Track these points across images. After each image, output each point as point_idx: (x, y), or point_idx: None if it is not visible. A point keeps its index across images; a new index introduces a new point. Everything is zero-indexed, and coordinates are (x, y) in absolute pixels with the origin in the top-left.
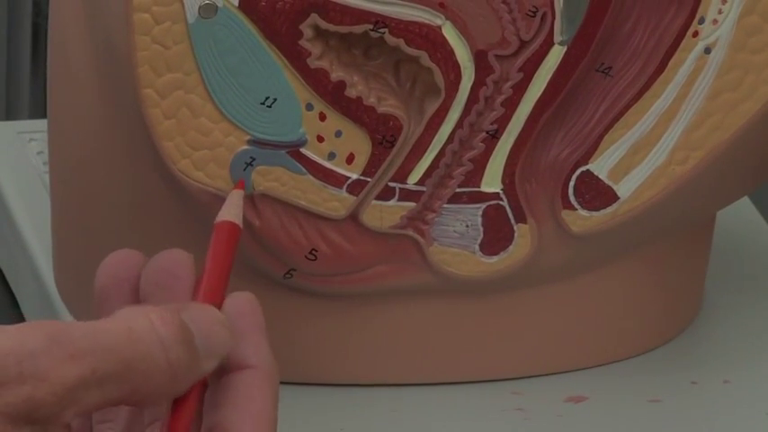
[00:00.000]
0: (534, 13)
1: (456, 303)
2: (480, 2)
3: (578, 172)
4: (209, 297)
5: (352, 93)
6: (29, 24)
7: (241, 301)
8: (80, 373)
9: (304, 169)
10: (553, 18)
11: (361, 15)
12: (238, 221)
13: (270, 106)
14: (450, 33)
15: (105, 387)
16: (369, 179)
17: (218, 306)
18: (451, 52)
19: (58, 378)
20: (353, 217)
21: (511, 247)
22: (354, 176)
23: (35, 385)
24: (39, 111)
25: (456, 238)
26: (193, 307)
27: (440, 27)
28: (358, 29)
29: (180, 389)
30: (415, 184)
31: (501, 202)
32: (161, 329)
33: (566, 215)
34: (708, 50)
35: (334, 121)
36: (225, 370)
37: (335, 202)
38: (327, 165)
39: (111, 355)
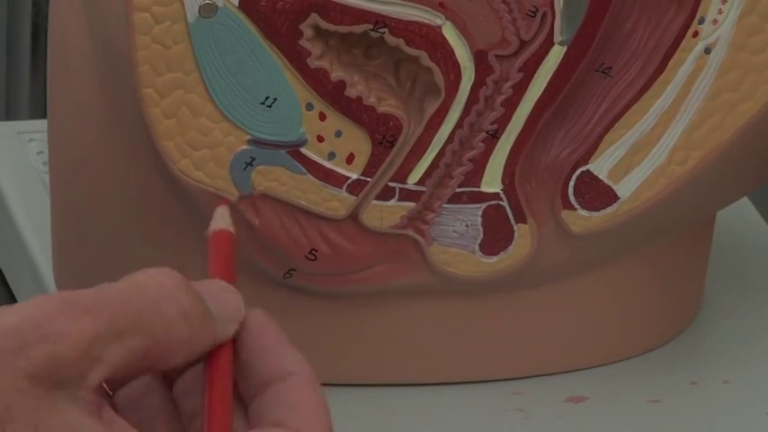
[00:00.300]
0: (534, 13)
1: (456, 303)
2: (480, 2)
3: (578, 172)
4: None
5: (352, 93)
6: (29, 24)
7: (259, 318)
8: (97, 326)
9: (304, 169)
10: (553, 18)
11: (361, 15)
12: (230, 228)
13: (270, 106)
14: (450, 33)
15: (125, 339)
16: (369, 179)
17: None
18: (451, 52)
19: (77, 333)
20: (353, 217)
21: (511, 247)
22: (354, 176)
23: (56, 342)
24: (39, 111)
25: (456, 238)
26: (198, 281)
27: (440, 27)
28: (358, 29)
29: (198, 344)
30: (415, 184)
31: (501, 202)
32: (164, 280)
33: (566, 215)
34: (708, 50)
35: (334, 120)
36: (268, 383)
37: (335, 202)
38: (327, 165)
39: (123, 307)
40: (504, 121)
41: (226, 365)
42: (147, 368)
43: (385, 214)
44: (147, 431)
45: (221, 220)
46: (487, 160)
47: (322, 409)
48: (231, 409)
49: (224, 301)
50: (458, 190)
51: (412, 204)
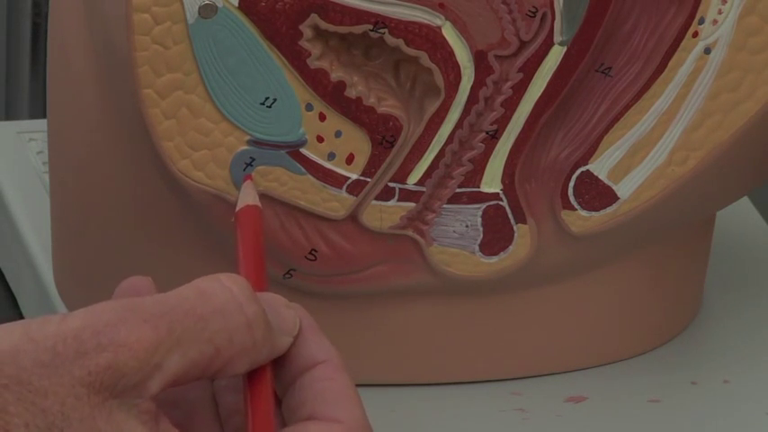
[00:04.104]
0: (534, 13)
1: (456, 303)
2: (480, 2)
3: (578, 172)
4: (254, 286)
5: (351, 93)
6: (29, 24)
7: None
8: (157, 334)
9: (304, 169)
10: (553, 18)
11: (360, 15)
12: (257, 203)
13: (270, 106)
14: (449, 34)
15: (186, 347)
16: (368, 179)
17: (264, 290)
18: (451, 52)
19: (136, 341)
20: (353, 217)
21: (511, 248)
22: (354, 177)
23: (115, 351)
24: (39, 111)
25: (456, 239)
26: (258, 293)
27: (440, 27)
28: (358, 29)
29: (259, 354)
30: (415, 184)
31: (501, 203)
32: (233, 287)
33: (566, 215)
34: (708, 51)
35: (334, 121)
36: (298, 373)
37: (335, 203)
38: (327, 165)
39: (186, 314)
40: (503, 122)
41: (266, 369)
42: (208, 376)
43: (385, 214)
44: (185, 426)
45: (248, 195)
46: (487, 160)
47: (352, 394)
48: (273, 411)
49: (282, 314)
50: (458, 190)
51: (412, 205)
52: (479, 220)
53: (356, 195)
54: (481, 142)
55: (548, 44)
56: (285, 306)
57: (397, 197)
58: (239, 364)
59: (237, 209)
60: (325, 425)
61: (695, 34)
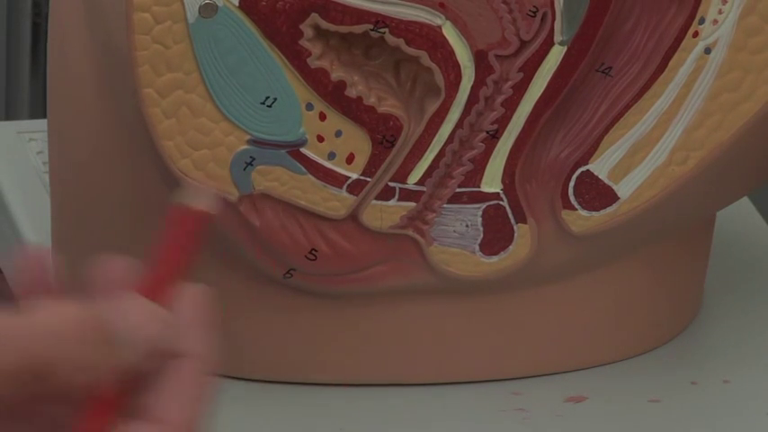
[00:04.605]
0: (534, 13)
1: (456, 303)
2: (480, 2)
3: (578, 172)
4: (152, 291)
5: (352, 93)
6: (29, 24)
7: (186, 294)
8: None
9: (304, 169)
10: (553, 18)
11: (361, 15)
12: (209, 209)
13: (270, 106)
14: (450, 33)
15: (17, 378)
16: (369, 179)
17: (161, 296)
18: (451, 52)
19: None
20: (353, 217)
21: (511, 247)
22: (354, 176)
23: None
24: (39, 111)
25: (456, 238)
26: (128, 298)
27: (440, 27)
28: (358, 29)
29: (96, 371)
30: (415, 184)
31: (501, 202)
32: (71, 307)
33: (566, 215)
34: (708, 51)
35: (334, 120)
36: (157, 370)
37: (335, 202)
38: (327, 165)
39: (12, 347)
40: (504, 121)
41: (108, 384)
42: (41, 392)
43: (385, 214)
44: None
45: (200, 197)
46: (487, 160)
47: (190, 401)
48: (109, 422)
49: (142, 327)
50: (458, 190)
51: (412, 204)
52: (479, 219)
53: (356, 195)
54: (481, 142)
55: (548, 44)
56: (152, 317)
57: (397, 197)
58: (75, 380)
59: (179, 208)
60: (146, 426)
61: (695, 34)
